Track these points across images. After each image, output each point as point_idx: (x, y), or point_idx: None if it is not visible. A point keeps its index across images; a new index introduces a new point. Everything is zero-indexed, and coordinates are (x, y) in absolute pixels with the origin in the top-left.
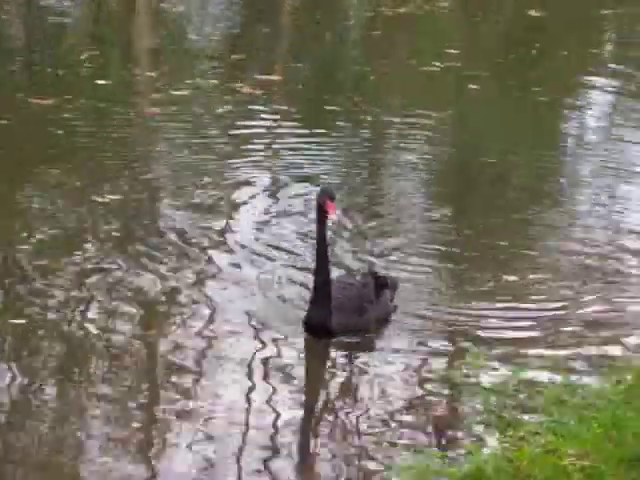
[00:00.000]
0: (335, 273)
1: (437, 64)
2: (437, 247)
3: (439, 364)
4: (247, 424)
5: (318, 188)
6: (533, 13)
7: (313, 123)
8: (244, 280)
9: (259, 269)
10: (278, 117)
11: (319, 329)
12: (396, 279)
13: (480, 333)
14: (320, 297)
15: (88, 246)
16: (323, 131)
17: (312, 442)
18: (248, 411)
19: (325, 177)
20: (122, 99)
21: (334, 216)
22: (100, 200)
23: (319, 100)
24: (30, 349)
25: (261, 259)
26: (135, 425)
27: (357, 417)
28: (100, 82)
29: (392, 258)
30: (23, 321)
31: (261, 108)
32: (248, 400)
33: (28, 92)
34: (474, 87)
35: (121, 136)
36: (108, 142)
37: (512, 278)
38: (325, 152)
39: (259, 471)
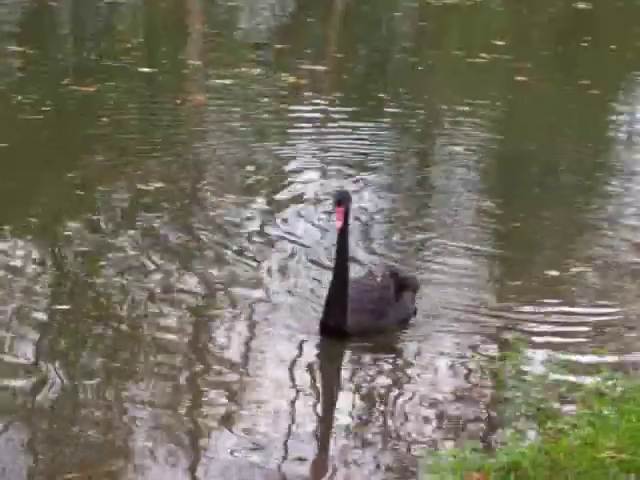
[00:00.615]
0: (357, 273)
1: (484, 55)
2: (481, 240)
3: (480, 357)
4: (289, 426)
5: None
6: (581, 5)
7: (359, 113)
8: (290, 274)
9: (306, 263)
10: (324, 106)
11: (334, 331)
12: (417, 280)
13: (522, 327)
14: (336, 298)
15: (133, 234)
16: (368, 120)
17: (352, 439)
18: (290, 413)
19: (371, 166)
20: (168, 87)
21: (338, 223)
22: (145, 187)
23: (365, 90)
24: (75, 343)
25: (307, 250)
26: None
27: (398, 412)
28: (145, 70)
29: (435, 250)
30: (68, 307)
31: (307, 97)
32: (290, 402)
33: (73, 79)
34: (521, 79)
35: (166, 124)
36: (152, 130)
37: (557, 273)
38: (371, 141)
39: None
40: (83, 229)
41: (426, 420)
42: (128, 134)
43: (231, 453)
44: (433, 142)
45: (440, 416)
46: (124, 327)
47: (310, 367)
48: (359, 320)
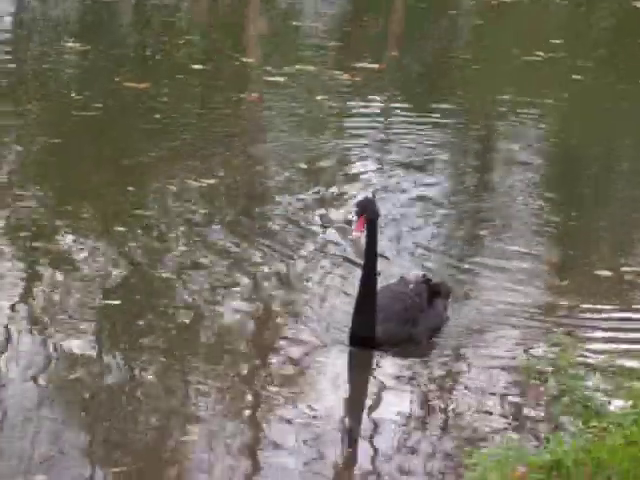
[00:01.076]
0: (389, 280)
1: (540, 54)
2: (537, 238)
3: (527, 357)
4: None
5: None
6: (639, 5)
7: (414, 110)
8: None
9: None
10: (379, 104)
11: (363, 340)
12: (450, 287)
13: (574, 328)
14: (364, 307)
15: (185, 230)
16: (424, 118)
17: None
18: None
19: (427, 164)
20: (222, 84)
21: (356, 233)
22: (198, 184)
23: (421, 88)
24: (137, 330)
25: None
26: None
27: (445, 408)
28: (197, 67)
29: (494, 246)
30: (122, 301)
31: (362, 95)
32: (344, 405)
33: (126, 76)
34: (578, 77)
35: (221, 120)
36: (207, 126)
37: (613, 274)
38: (427, 139)
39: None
40: (136, 225)
41: (470, 418)
42: (182, 131)
43: (294, 441)
44: (489, 140)
45: (485, 414)
46: (181, 320)
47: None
48: (389, 329)
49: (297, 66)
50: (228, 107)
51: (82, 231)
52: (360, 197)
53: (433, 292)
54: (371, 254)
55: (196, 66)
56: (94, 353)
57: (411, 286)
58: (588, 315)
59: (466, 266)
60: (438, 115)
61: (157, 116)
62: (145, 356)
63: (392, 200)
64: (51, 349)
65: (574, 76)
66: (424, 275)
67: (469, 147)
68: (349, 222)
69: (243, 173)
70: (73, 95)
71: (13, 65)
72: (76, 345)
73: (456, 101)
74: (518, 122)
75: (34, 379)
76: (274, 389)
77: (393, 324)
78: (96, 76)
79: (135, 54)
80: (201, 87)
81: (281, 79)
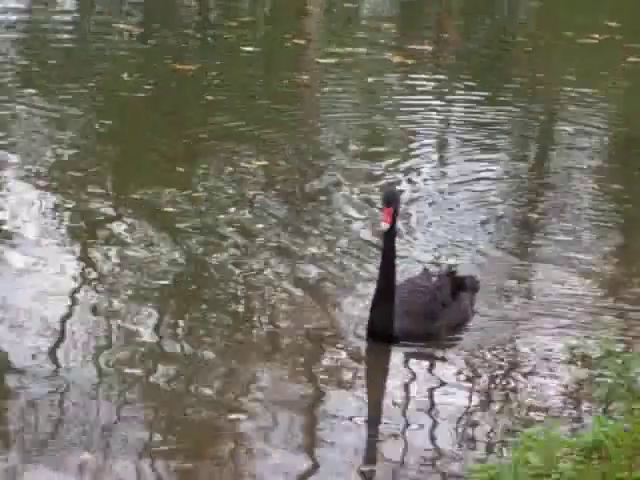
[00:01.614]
0: (412, 273)
1: (595, 36)
2: (595, 224)
3: (575, 338)
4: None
5: None
6: None
7: (468, 90)
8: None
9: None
10: (431, 86)
11: (380, 335)
12: (477, 280)
13: (618, 306)
14: (382, 301)
15: (234, 211)
16: (478, 100)
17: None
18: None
19: (483, 147)
20: (271, 66)
21: (384, 224)
22: (247, 166)
23: (475, 71)
24: (192, 313)
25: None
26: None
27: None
28: (248, 49)
29: (547, 234)
30: (176, 284)
31: (415, 76)
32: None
33: (176, 57)
34: (633, 60)
35: (271, 103)
36: (256, 108)
37: None
38: (482, 121)
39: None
40: (185, 206)
41: (514, 402)
42: (230, 113)
43: (350, 419)
44: (544, 123)
45: (526, 397)
46: (236, 303)
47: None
48: (408, 324)
49: (348, 48)
50: (278, 90)
51: (130, 211)
52: (387, 188)
53: (458, 285)
54: (390, 245)
55: (248, 48)
56: (152, 335)
57: (434, 279)
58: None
59: (517, 251)
60: (491, 97)
61: (208, 97)
62: (203, 338)
63: (445, 179)
64: (111, 330)
65: (629, 59)
66: (449, 267)
67: (523, 129)
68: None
69: (296, 154)
70: (125, 76)
71: (70, 45)
72: (135, 327)
73: (509, 83)
74: (572, 105)
75: (94, 359)
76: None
77: (411, 318)
78: (147, 58)
79: (189, 35)
80: (251, 69)
81: (333, 60)
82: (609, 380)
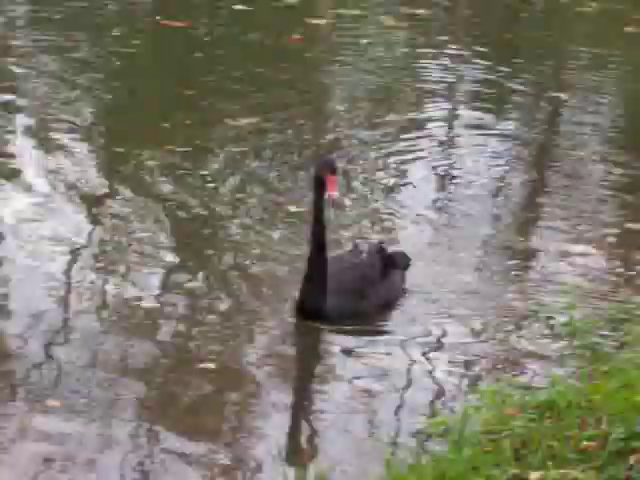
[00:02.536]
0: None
1: (592, 5)
2: (608, 196)
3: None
4: None
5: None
6: None
7: (464, 57)
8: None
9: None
10: (423, 50)
11: (312, 314)
12: (408, 257)
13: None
14: (314, 278)
15: (218, 168)
16: (476, 64)
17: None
18: None
19: (490, 113)
20: (262, 25)
21: (334, 193)
22: (233, 124)
23: (468, 33)
24: (198, 269)
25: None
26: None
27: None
28: (239, 7)
29: (557, 207)
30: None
31: (403, 40)
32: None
33: (165, 14)
34: (631, 30)
35: (260, 60)
36: (247, 66)
37: None
38: (481, 86)
39: None
40: (167, 161)
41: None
42: (222, 70)
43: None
44: (542, 90)
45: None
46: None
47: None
48: (339, 302)
49: (340, 9)
50: (269, 47)
51: (114, 166)
52: (324, 157)
53: (388, 262)
54: (318, 220)
55: (238, 7)
56: (159, 290)
57: (363, 255)
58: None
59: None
60: (486, 60)
61: (197, 55)
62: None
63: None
64: (118, 286)
65: (627, 29)
66: (379, 243)
67: (524, 96)
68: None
69: (281, 112)
70: (115, 32)
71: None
72: (139, 283)
73: (506, 49)
74: (572, 73)
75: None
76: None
77: (342, 296)
78: (135, 13)
79: None
80: (241, 27)
81: (325, 21)
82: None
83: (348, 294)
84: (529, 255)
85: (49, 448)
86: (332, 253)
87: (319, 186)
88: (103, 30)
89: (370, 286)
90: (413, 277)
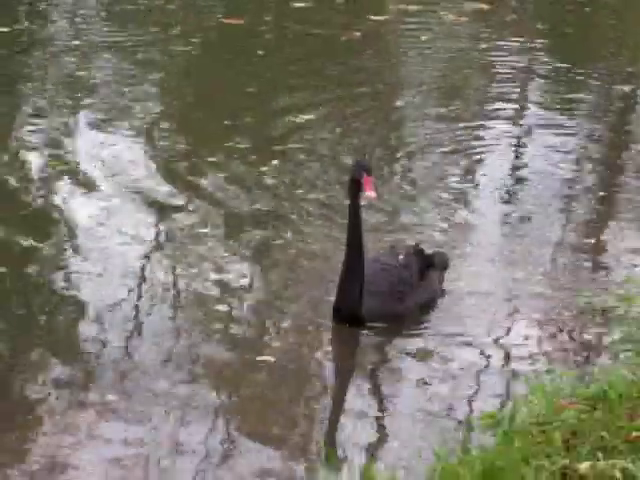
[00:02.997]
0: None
1: None
2: None
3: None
4: None
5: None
6: None
7: (525, 54)
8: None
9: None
10: (485, 45)
11: (348, 316)
12: (446, 257)
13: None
14: (350, 280)
15: (277, 164)
16: (541, 59)
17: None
18: None
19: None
20: (322, 21)
21: (372, 193)
22: (295, 120)
23: (530, 30)
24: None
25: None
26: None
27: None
28: (298, 5)
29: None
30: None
31: (465, 36)
32: None
33: (223, 12)
34: None
35: (319, 57)
36: (304, 63)
37: None
38: (538, 81)
39: None
40: (230, 158)
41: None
42: (283, 67)
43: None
44: (611, 84)
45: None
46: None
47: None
48: (375, 304)
49: (401, 5)
50: (330, 44)
51: (171, 162)
52: (358, 159)
53: (426, 264)
54: (356, 219)
55: (299, 4)
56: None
57: (400, 257)
58: None
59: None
60: (552, 55)
61: (259, 52)
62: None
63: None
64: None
65: None
66: (416, 245)
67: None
68: None
69: (340, 109)
70: (176, 31)
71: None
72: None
73: (565, 42)
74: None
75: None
76: None
77: (379, 299)
78: (195, 11)
79: None
80: (299, 24)
81: (384, 17)
82: (624, 336)
83: (385, 297)
84: (599, 253)
85: (118, 450)
86: (369, 255)
87: (355, 188)
88: (167, 28)
89: (407, 288)
90: (469, 277)
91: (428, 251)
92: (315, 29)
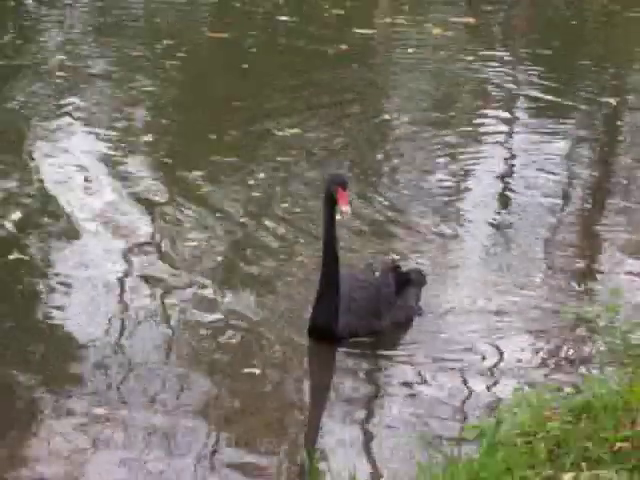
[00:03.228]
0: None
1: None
2: None
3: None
4: None
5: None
6: None
7: (510, 66)
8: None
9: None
10: (472, 58)
11: (323, 333)
12: (424, 274)
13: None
14: (325, 297)
15: (269, 175)
16: (524, 72)
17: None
18: None
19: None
20: (308, 35)
21: (347, 208)
22: (280, 134)
23: (519, 43)
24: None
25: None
26: None
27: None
28: (283, 18)
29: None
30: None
31: (451, 49)
32: None
33: (209, 26)
34: None
35: (305, 71)
36: (289, 77)
37: None
38: (535, 90)
39: None
40: (214, 171)
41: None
42: (268, 81)
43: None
44: (598, 94)
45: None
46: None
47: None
48: (351, 322)
49: (386, 18)
50: (316, 57)
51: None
52: (332, 173)
53: (403, 281)
54: (331, 236)
55: (284, 17)
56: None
57: (377, 274)
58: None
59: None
60: (537, 65)
61: (244, 65)
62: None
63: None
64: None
65: None
66: (393, 261)
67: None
68: None
69: (337, 121)
70: (164, 44)
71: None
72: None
73: (557, 55)
74: (623, 77)
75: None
76: None
77: (355, 316)
78: (184, 25)
79: (224, 3)
80: (288, 38)
81: (369, 31)
82: (609, 345)
83: (361, 313)
84: (585, 264)
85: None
86: (344, 271)
87: (330, 202)
88: (154, 40)
89: (384, 305)
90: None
91: (405, 268)
92: (301, 43)
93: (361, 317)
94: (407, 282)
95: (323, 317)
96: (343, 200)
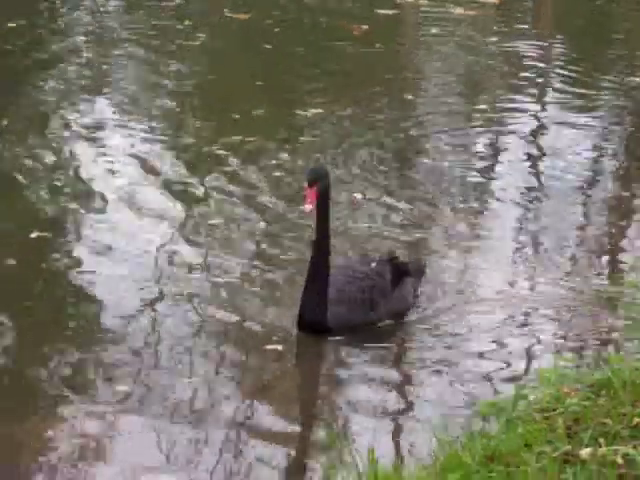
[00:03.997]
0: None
1: None
2: None
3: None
4: None
5: None
6: None
7: (537, 47)
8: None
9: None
10: (496, 39)
11: (312, 325)
12: (423, 264)
13: None
14: (313, 287)
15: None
16: (551, 52)
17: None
18: None
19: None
20: (328, 14)
21: (308, 206)
22: (303, 113)
23: (543, 21)
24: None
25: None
26: None
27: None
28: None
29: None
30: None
31: (476, 29)
32: None
33: (229, 7)
34: None
35: (324, 50)
36: (311, 55)
37: None
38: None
39: None
40: (237, 151)
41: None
42: (289, 61)
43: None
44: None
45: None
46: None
47: None
48: (343, 313)
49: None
50: (337, 38)
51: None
52: (312, 166)
53: (400, 272)
54: (323, 229)
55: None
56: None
57: (373, 264)
58: None
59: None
60: (560, 49)
61: (266, 46)
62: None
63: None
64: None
65: None
66: (390, 252)
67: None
68: None
69: (348, 104)
70: (180, 26)
71: None
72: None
73: (582, 39)
74: None
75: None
76: None
77: (347, 307)
78: (201, 7)
79: None
80: (310, 17)
81: (390, 11)
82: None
83: (354, 304)
84: (607, 242)
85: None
86: (339, 262)
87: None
88: (175, 22)
89: (378, 296)
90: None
91: (406, 258)
92: (324, 24)
93: (353, 308)
94: (405, 273)
95: (310, 308)
96: (306, 197)
